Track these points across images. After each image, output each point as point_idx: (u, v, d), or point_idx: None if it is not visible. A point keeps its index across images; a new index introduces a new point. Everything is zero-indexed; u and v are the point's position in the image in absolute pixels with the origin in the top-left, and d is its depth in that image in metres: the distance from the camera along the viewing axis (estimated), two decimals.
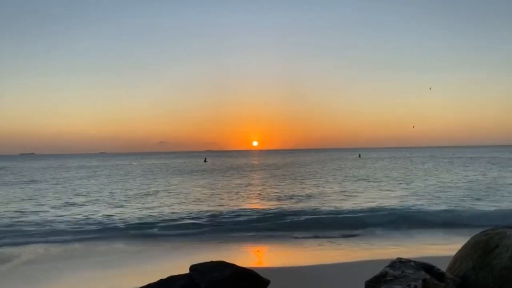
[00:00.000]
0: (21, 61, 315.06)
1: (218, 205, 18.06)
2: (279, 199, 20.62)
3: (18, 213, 16.45)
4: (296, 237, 11.50)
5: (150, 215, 15.69)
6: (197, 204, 18.66)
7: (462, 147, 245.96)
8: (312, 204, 18.03)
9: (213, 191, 25.39)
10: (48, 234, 12.41)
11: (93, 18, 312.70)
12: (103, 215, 15.88)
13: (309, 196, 21.18)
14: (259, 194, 23.36)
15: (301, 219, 14.07)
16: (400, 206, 16.29)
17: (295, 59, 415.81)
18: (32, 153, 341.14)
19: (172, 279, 4.14)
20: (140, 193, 24.73)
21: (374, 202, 17.89)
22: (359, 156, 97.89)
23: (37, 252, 10.39)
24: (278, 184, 29.55)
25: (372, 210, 15.32)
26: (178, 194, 23.89)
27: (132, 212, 16.68)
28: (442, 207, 15.80)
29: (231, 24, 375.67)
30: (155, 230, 12.94)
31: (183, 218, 14.87)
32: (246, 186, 28.75)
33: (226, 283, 3.95)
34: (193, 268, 4.20)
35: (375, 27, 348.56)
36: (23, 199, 21.61)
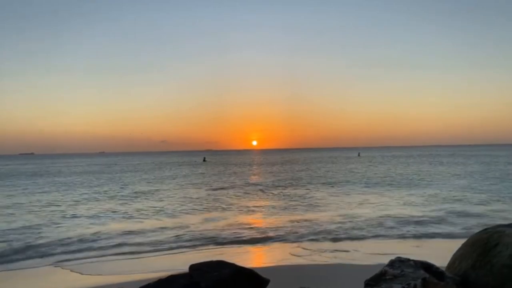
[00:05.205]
0: (21, 61, 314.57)
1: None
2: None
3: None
4: (297, 236, 11.52)
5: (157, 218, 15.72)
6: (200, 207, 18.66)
7: (462, 146, 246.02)
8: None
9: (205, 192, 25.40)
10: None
11: (92, 18, 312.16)
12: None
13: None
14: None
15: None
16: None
17: (294, 60, 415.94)
18: (32, 153, 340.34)
19: (172, 279, 4.12)
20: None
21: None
22: (359, 155, 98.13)
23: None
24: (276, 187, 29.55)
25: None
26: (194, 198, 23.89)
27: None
28: None
29: (231, 25, 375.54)
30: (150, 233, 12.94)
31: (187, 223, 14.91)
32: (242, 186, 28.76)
33: (226, 282, 3.94)
34: (193, 267, 4.18)
35: (374, 27, 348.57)
36: None
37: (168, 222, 14.39)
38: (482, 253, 3.72)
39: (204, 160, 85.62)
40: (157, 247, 10.73)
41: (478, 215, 14.29)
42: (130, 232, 12.52)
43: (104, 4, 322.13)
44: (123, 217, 15.56)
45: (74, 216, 16.00)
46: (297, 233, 11.92)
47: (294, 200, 19.66)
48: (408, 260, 3.80)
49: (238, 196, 22.31)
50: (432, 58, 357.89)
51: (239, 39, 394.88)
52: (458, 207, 16.17)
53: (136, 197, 22.60)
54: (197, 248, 10.57)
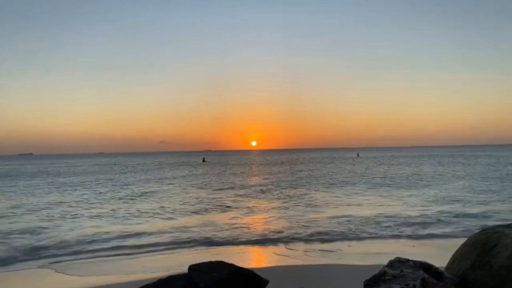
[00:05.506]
0: (21, 61, 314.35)
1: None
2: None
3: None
4: (296, 236, 11.52)
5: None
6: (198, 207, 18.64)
7: (462, 146, 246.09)
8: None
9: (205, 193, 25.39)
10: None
11: (92, 18, 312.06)
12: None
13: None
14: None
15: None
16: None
17: (294, 60, 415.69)
18: (31, 154, 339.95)
19: (171, 279, 4.13)
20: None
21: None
22: (358, 156, 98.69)
23: None
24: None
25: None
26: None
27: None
28: None
29: (231, 25, 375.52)
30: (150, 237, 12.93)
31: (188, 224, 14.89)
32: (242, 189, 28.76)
33: (225, 282, 3.94)
34: (192, 268, 4.19)
35: (374, 27, 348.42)
36: None
37: (167, 222, 14.38)
38: (481, 254, 3.73)
39: (203, 161, 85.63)
40: (156, 247, 10.72)
41: (477, 216, 14.29)
42: (129, 233, 12.51)
43: (104, 4, 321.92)
44: (123, 217, 15.54)
45: (73, 217, 15.98)
46: (296, 233, 11.92)
47: (294, 201, 19.65)
48: (408, 260, 3.80)
49: (238, 196, 22.29)
50: (432, 58, 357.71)
51: (239, 39, 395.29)
52: (457, 207, 16.18)
53: (135, 197, 22.59)
54: (196, 249, 10.57)
